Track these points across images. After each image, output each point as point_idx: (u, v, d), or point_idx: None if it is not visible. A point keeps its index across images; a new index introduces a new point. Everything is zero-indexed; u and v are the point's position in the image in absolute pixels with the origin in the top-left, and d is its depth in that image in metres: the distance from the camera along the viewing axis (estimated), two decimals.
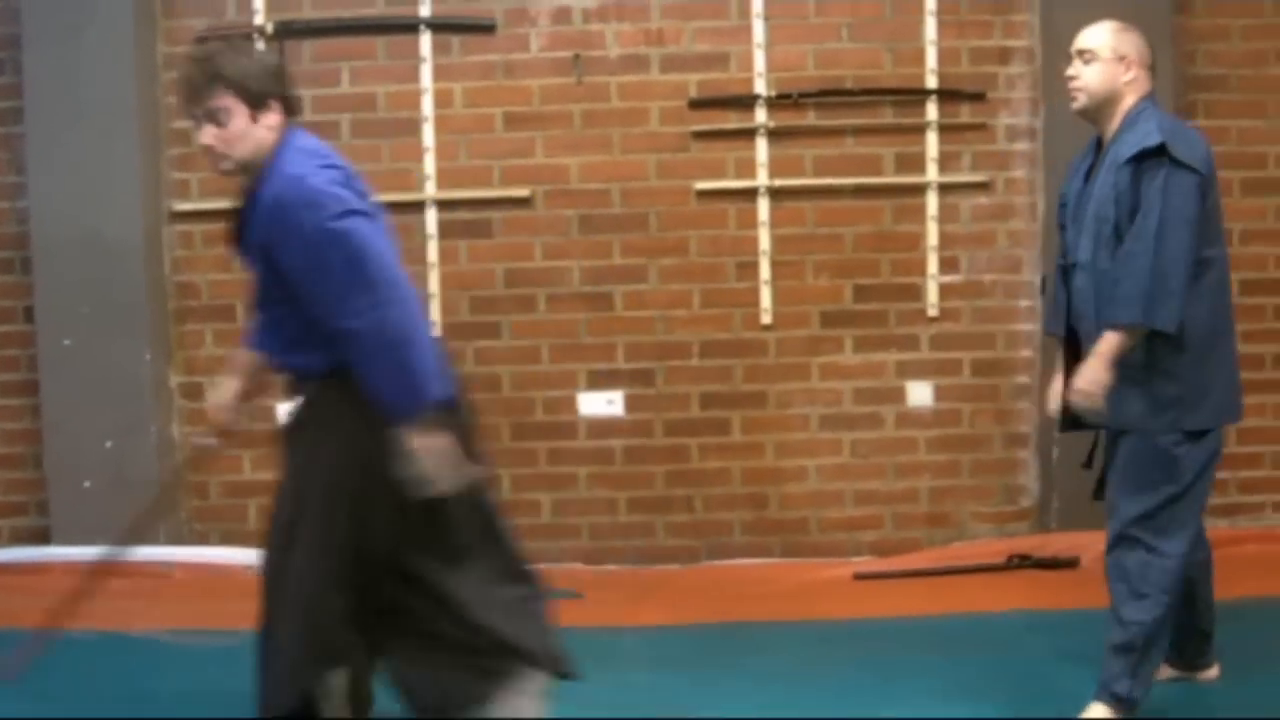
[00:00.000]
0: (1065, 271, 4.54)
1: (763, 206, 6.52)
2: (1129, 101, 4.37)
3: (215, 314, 6.67)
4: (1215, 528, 6.39)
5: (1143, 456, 4.23)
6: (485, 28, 6.55)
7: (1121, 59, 4.35)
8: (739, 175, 6.53)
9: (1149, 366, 4.21)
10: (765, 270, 6.54)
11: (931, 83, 6.50)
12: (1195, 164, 4.19)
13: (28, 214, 6.55)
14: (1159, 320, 4.12)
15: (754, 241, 6.54)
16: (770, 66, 6.51)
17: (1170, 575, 4.21)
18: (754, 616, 5.77)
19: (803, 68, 6.53)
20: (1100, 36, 4.42)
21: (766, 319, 6.55)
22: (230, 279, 6.62)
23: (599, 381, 6.60)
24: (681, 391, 6.60)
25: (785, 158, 6.52)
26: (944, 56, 6.49)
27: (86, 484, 6.49)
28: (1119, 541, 4.26)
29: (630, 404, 6.61)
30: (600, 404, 6.61)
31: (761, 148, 6.51)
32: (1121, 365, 4.18)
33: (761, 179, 6.50)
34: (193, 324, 6.68)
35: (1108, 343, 4.17)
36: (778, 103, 6.49)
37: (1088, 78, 4.40)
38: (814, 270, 6.56)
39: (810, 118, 6.54)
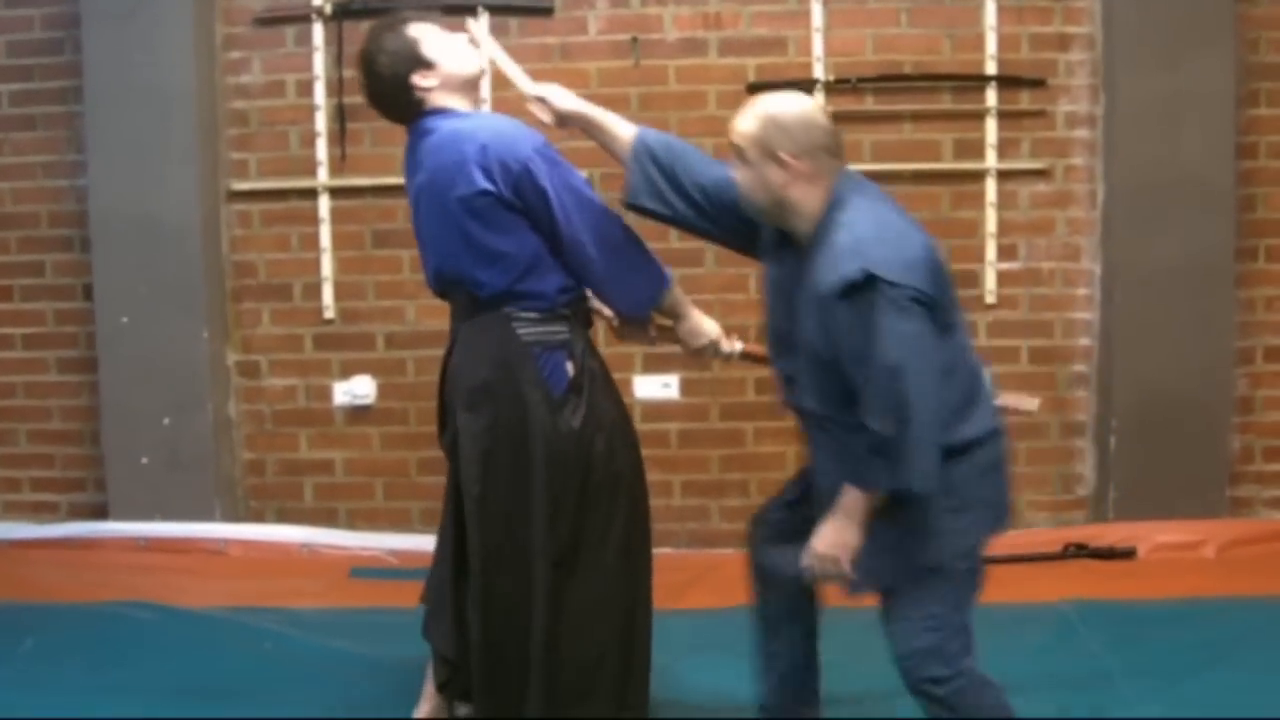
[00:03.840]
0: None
1: None
2: (808, 205, 3.52)
3: (272, 293, 6.69)
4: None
5: None
6: (543, 10, 6.54)
7: (770, 158, 3.50)
8: None
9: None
10: None
11: (991, 69, 6.44)
12: (914, 281, 3.35)
13: (86, 192, 6.58)
14: (916, 484, 3.41)
15: None
16: (829, 51, 6.46)
17: None
18: None
19: (861, 53, 6.48)
20: (745, 130, 3.54)
21: None
22: (287, 258, 6.66)
23: (654, 365, 6.55)
24: (737, 376, 6.54)
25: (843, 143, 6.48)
26: (1004, 42, 6.43)
27: (144, 460, 6.53)
28: None
29: (686, 388, 6.59)
30: (656, 387, 6.58)
31: None
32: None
33: None
34: (250, 303, 6.70)
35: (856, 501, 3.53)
36: (836, 88, 6.46)
37: (744, 184, 3.60)
38: None
39: (869, 103, 6.50)
